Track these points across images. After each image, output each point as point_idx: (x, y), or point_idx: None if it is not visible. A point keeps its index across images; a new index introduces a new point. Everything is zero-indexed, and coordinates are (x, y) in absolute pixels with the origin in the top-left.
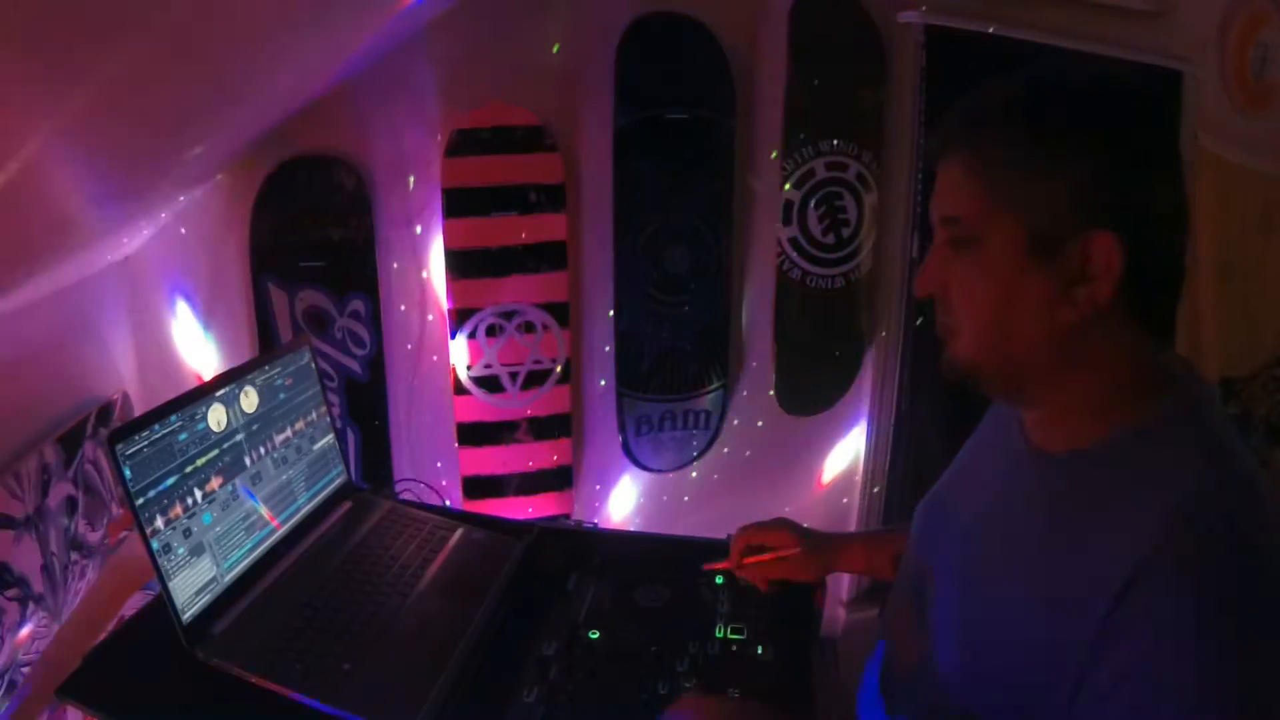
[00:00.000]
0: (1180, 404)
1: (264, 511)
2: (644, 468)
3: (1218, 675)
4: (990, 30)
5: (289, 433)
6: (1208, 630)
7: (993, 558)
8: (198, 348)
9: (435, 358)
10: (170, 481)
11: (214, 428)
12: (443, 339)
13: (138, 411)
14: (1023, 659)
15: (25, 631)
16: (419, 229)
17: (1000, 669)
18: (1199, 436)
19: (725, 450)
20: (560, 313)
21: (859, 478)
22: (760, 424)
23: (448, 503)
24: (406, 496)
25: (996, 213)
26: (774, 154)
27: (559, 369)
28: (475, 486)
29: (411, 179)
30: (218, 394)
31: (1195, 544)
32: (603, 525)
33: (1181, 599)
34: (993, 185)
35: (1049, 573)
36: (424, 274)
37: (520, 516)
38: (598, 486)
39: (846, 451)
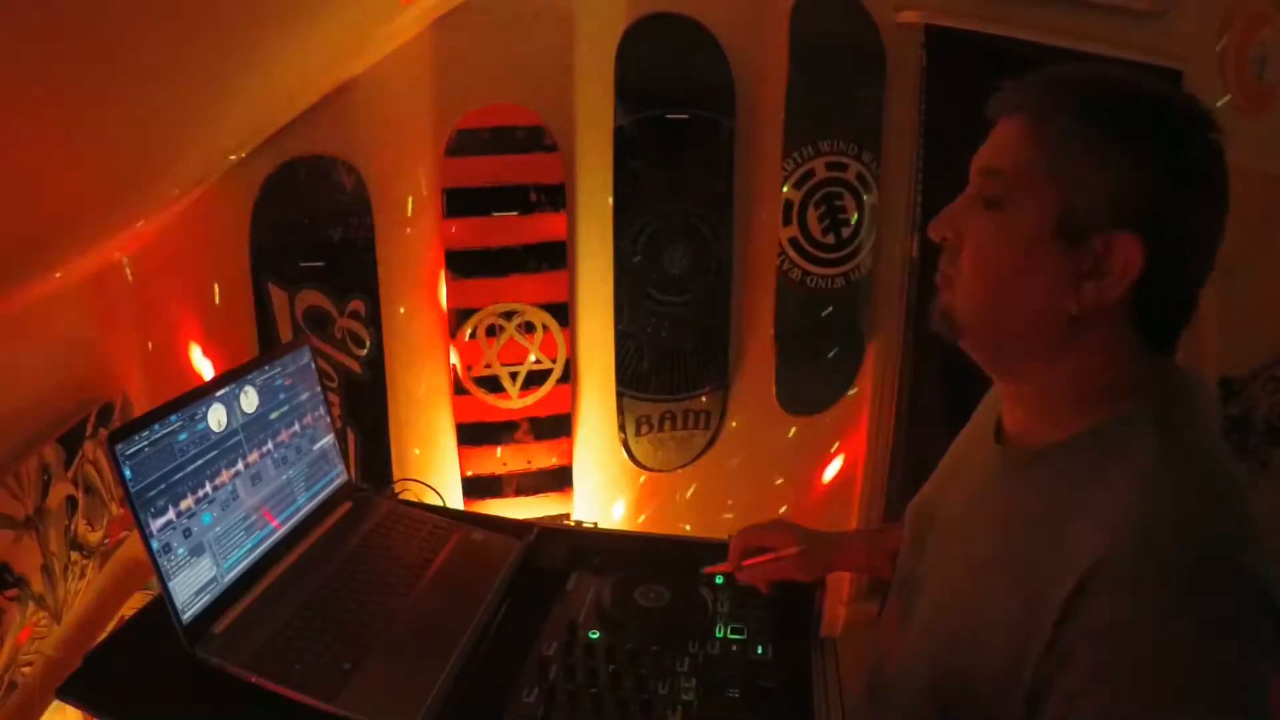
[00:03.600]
0: (1155, 404)
1: (264, 511)
2: (644, 468)
3: (1172, 677)
4: (990, 31)
5: (289, 433)
6: (1160, 632)
7: (969, 555)
8: (198, 348)
9: (435, 358)
10: (170, 481)
11: (214, 428)
12: (443, 339)
13: (138, 411)
14: (990, 659)
15: (25, 631)
16: (419, 229)
17: (971, 668)
18: (1165, 438)
19: (725, 450)
20: (560, 313)
21: (859, 478)
22: (760, 424)
23: (447, 502)
24: (406, 496)
25: (1037, 180)
26: (774, 154)
27: (559, 369)
28: (475, 486)
29: (411, 179)
30: (218, 394)
31: (1147, 546)
32: (603, 525)
33: (1133, 600)
34: (1044, 153)
35: (1015, 570)
36: (424, 274)
37: (520, 516)
38: (598, 486)
39: (846, 451)
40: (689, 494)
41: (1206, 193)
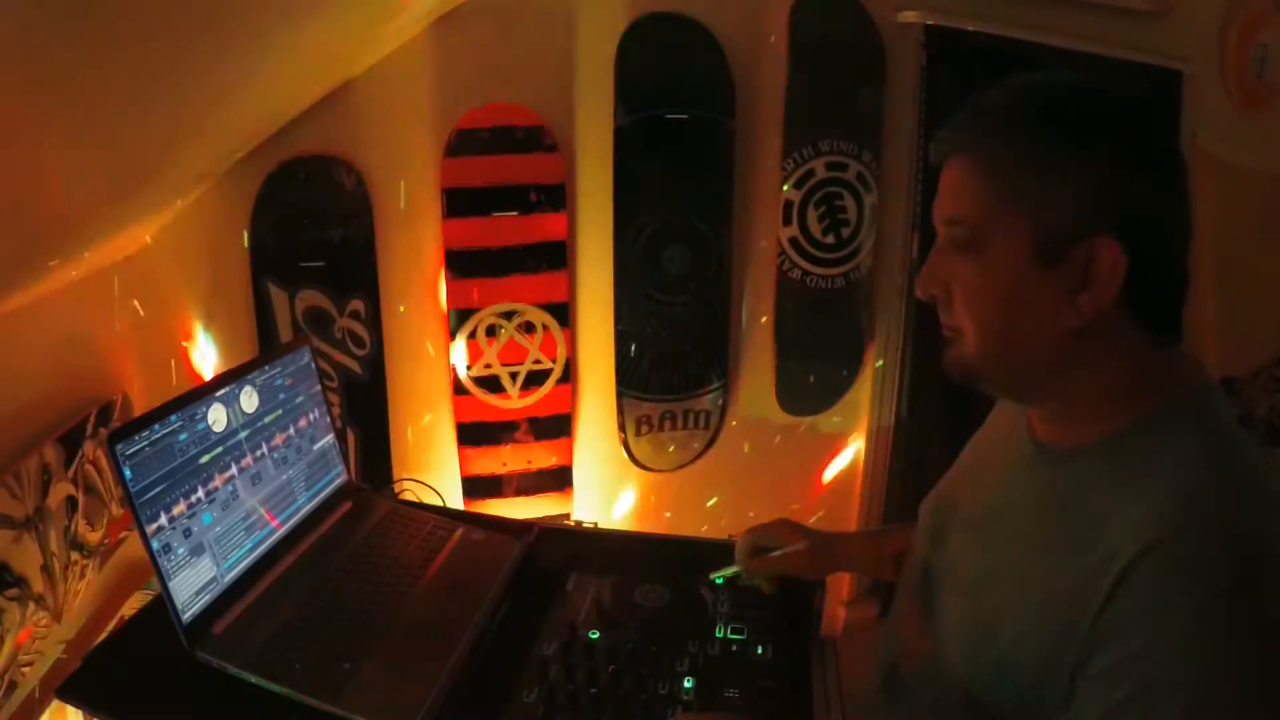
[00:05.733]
0: (1182, 401)
1: (264, 511)
2: (644, 468)
3: (1211, 669)
4: (990, 31)
5: (289, 432)
6: (1199, 625)
7: (1000, 553)
8: (198, 348)
9: (435, 358)
10: (170, 481)
11: (214, 428)
12: (443, 339)
13: (138, 411)
14: (1028, 653)
15: (25, 631)
16: (419, 229)
17: (1007, 665)
18: (1199, 432)
19: (725, 450)
20: (560, 313)
21: (859, 477)
22: (760, 424)
23: (447, 502)
24: (406, 496)
25: (1003, 215)
26: (774, 154)
27: (559, 369)
28: (475, 486)
29: (411, 179)
30: (218, 394)
31: (1188, 540)
32: (603, 525)
33: (1173, 594)
34: (1001, 187)
35: (1053, 567)
36: (424, 274)
37: (520, 516)
38: (598, 486)
39: (847, 451)
40: (689, 494)
41: (1166, 170)
